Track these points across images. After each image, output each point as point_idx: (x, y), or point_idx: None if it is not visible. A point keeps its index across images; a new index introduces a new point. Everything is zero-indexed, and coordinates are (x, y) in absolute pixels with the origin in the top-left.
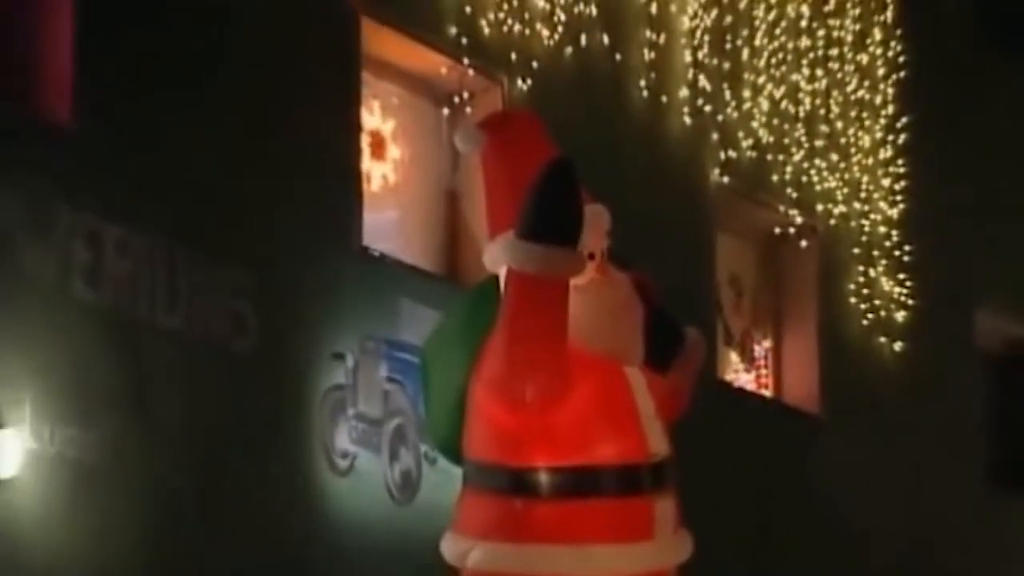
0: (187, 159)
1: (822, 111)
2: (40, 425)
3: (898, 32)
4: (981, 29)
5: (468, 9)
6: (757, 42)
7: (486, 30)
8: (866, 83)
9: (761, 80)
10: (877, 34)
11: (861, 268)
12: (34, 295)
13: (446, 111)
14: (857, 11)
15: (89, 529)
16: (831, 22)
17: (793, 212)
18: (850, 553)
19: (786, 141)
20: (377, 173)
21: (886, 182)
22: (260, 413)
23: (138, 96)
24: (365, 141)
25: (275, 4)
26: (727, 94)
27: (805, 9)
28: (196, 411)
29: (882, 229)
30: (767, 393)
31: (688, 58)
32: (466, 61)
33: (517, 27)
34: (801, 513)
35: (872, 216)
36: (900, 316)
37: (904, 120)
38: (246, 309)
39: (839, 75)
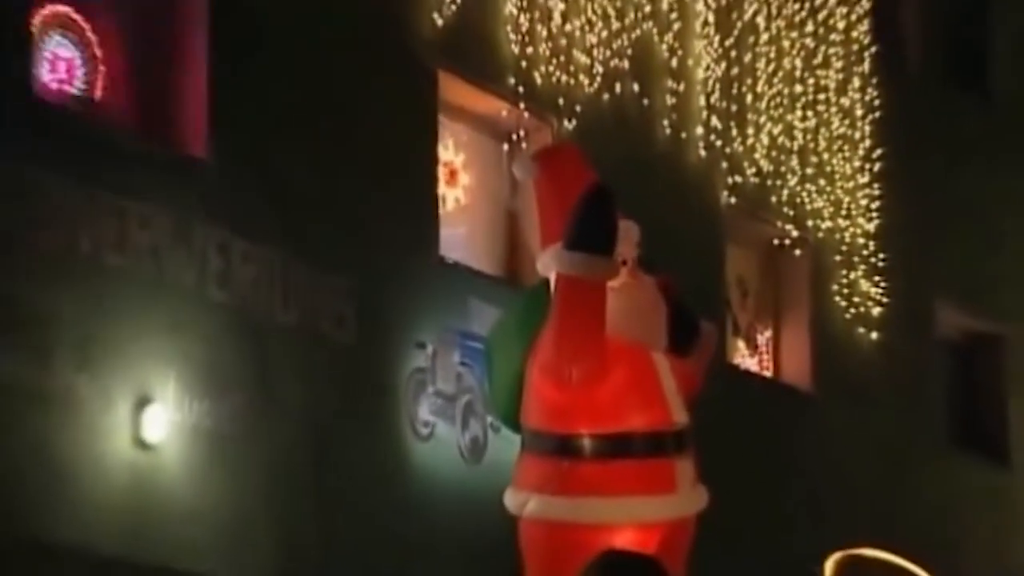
0: (300, 186)
1: (812, 145)
2: (181, 400)
3: (873, 80)
4: (941, 76)
5: (524, 63)
6: (758, 89)
7: (539, 80)
8: (847, 122)
9: (762, 120)
10: (856, 82)
11: (844, 272)
12: (177, 295)
13: (506, 146)
14: (840, 63)
15: (220, 487)
16: (819, 72)
17: (788, 227)
18: (836, 503)
19: (782, 169)
20: (451, 197)
21: (863, 202)
22: (358, 392)
23: (261, 135)
24: (441, 171)
25: (372, 61)
26: (734, 131)
27: (798, 62)
28: (307, 391)
29: (861, 240)
30: (768, 374)
31: (702, 102)
32: (522, 106)
33: (564, 78)
34: (795, 471)
35: (852, 229)
36: (876, 311)
37: (878, 152)
38: (347, 308)
39: (825, 116)
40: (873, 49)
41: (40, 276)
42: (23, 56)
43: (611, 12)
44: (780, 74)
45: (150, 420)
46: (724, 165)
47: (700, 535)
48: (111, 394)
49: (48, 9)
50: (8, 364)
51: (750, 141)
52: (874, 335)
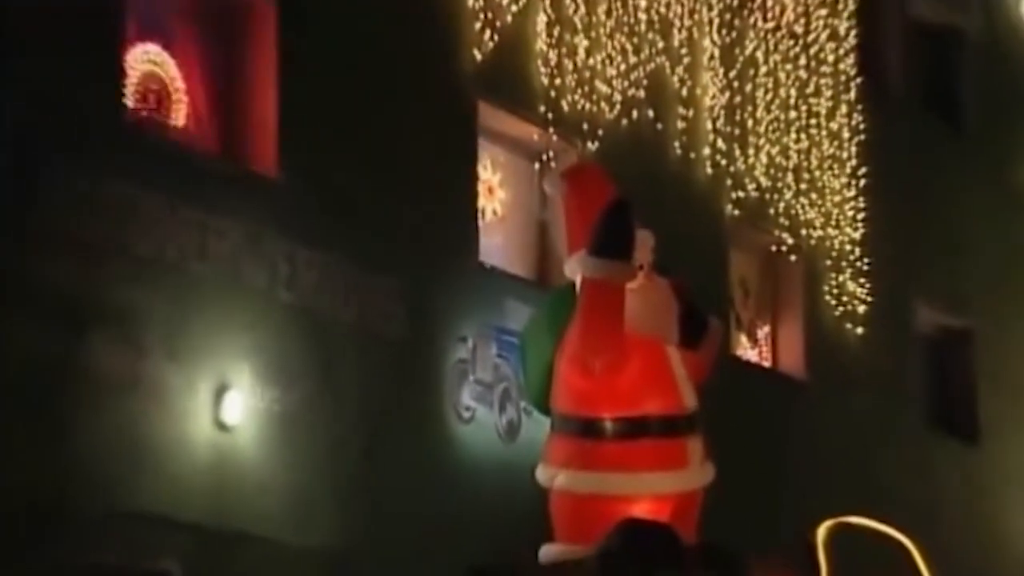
0: (357, 200)
1: (804, 163)
2: (255, 388)
3: (859, 107)
4: (918, 105)
5: (553, 93)
6: (758, 115)
7: (566, 108)
8: (836, 144)
9: (761, 141)
10: (844, 109)
11: (833, 275)
12: (250, 297)
13: (537, 166)
14: (829, 92)
15: (288, 464)
16: (811, 100)
17: (784, 235)
18: (826, 477)
19: (779, 185)
20: (489, 210)
21: (850, 213)
22: (408, 380)
23: (324, 156)
24: (480, 187)
25: (420, 91)
26: (736, 151)
27: (792, 91)
28: (364, 380)
29: (848, 247)
30: (767, 364)
31: (709, 126)
32: (551, 130)
33: (587, 105)
34: (791, 449)
35: (840, 237)
36: (861, 309)
37: (863, 170)
38: (398, 307)
39: (816, 138)
40: (859, 80)
41: (133, 280)
42: (117, 88)
43: (629, 48)
44: (777, 102)
45: (228, 405)
46: (728, 181)
47: (708, 505)
48: (195, 382)
49: (139, 47)
50: (106, 356)
51: (750, 160)
52: (860, 330)
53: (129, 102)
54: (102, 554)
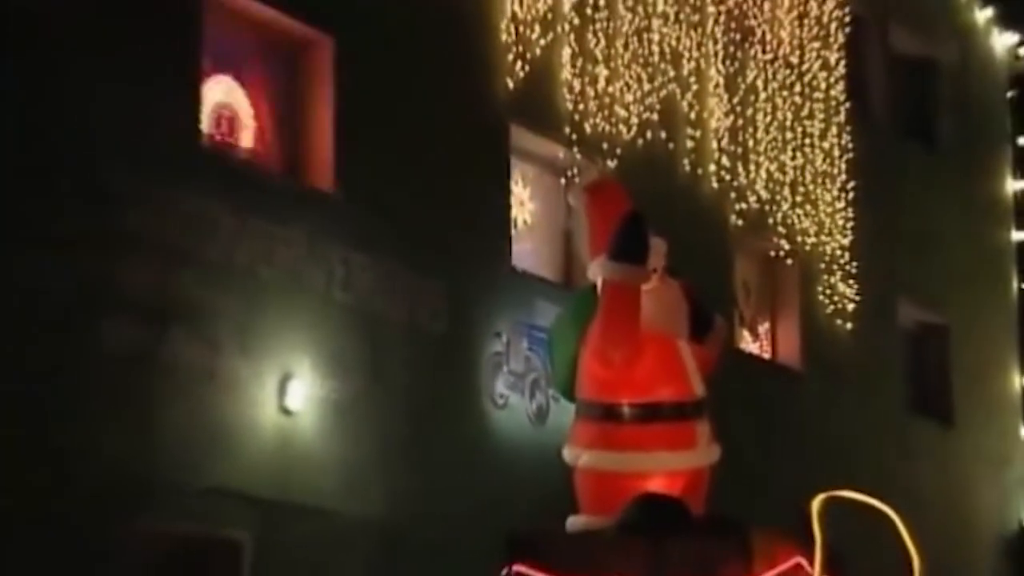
0: (405, 212)
1: (800, 178)
2: (315, 378)
3: (847, 129)
4: (899, 127)
5: (576, 117)
6: (758, 135)
7: (588, 130)
8: (827, 161)
9: (761, 159)
10: (834, 130)
11: (825, 277)
12: (311, 298)
13: (562, 181)
14: (821, 116)
15: (343, 445)
16: (805, 122)
17: (782, 242)
18: (818, 456)
19: (777, 197)
20: (520, 220)
21: (840, 222)
22: (449, 371)
23: (376, 172)
24: (513, 200)
25: (459, 115)
26: (739, 168)
27: (788, 114)
28: (410, 370)
29: (838, 252)
30: (767, 356)
31: (714, 145)
32: (575, 149)
33: (607, 127)
34: (789, 432)
35: (832, 244)
36: (850, 307)
37: (851, 184)
38: (441, 305)
39: (810, 156)
40: (847, 105)
41: (208, 284)
42: (195, 115)
43: (643, 76)
44: (775, 124)
45: (291, 393)
46: (731, 194)
47: (715, 481)
48: (262, 373)
49: (213, 79)
50: (186, 351)
51: (751, 175)
52: (849, 325)
53: (205, 127)
54: (183, 524)
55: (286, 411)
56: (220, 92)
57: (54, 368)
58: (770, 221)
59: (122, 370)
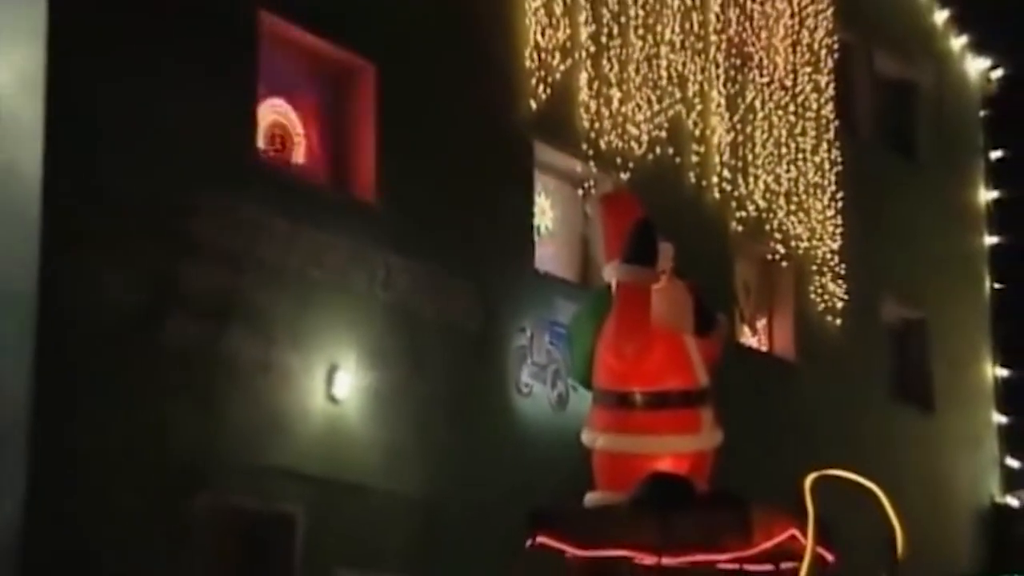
0: (440, 221)
1: (794, 189)
2: (359, 369)
3: (836, 144)
4: (882, 142)
5: (592, 134)
6: (756, 150)
7: (603, 146)
8: (819, 174)
9: (759, 172)
10: (824, 145)
11: (817, 277)
12: (356, 297)
13: (580, 192)
14: (813, 133)
15: (385, 430)
16: (798, 139)
17: (778, 247)
18: (811, 438)
19: (773, 206)
20: (542, 227)
21: (830, 228)
22: (480, 363)
23: (414, 185)
24: (536, 209)
25: (489, 133)
26: (739, 180)
27: (783, 131)
28: (445, 362)
29: (828, 255)
30: (764, 349)
31: (717, 159)
32: (591, 163)
33: (620, 143)
34: (784, 417)
35: (822, 248)
36: (839, 304)
37: (840, 194)
38: (472, 304)
39: (803, 169)
40: (836, 123)
41: (264, 285)
42: (251, 133)
43: (653, 98)
44: (771, 140)
45: (338, 383)
46: (732, 203)
47: (718, 461)
48: (312, 365)
49: (268, 101)
50: (244, 345)
51: (750, 186)
52: (838, 321)
53: (260, 144)
54: (243, 500)
55: (333, 399)
56: (274, 113)
57: (129, 362)
58: (767, 227)
59: (187, 364)
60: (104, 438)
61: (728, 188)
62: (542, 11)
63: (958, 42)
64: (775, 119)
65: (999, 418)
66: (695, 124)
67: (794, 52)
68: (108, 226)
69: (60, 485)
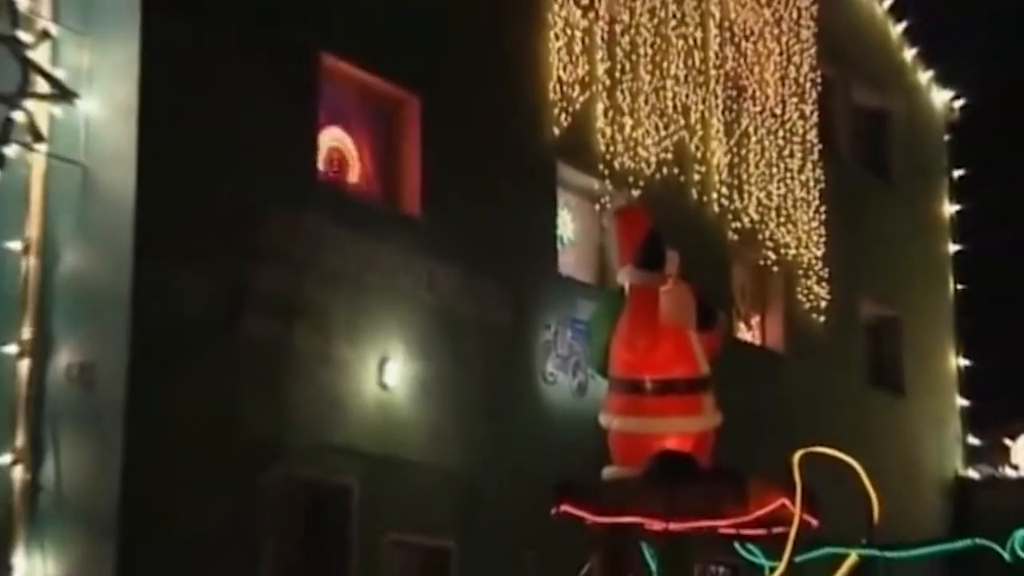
0: (476, 231)
1: (783, 204)
2: (406, 360)
3: (820, 165)
4: (860, 163)
5: (608, 156)
6: (750, 170)
7: (617, 166)
8: (804, 190)
9: (753, 189)
10: (809, 166)
11: (803, 281)
12: (404, 298)
13: (597, 207)
14: (800, 154)
15: (428, 412)
16: (786, 160)
17: (770, 254)
18: (798, 420)
19: (765, 219)
20: (565, 237)
21: (815, 238)
22: (510, 355)
23: (454, 200)
24: (559, 221)
25: (517, 156)
26: (736, 196)
27: (774, 154)
28: (480, 354)
29: (813, 261)
30: (758, 343)
31: (716, 178)
32: (607, 181)
33: (632, 164)
34: (776, 402)
35: (808, 255)
36: (823, 304)
37: (823, 208)
38: (504, 304)
39: (791, 186)
40: (819, 146)
41: (324, 287)
42: (313, 157)
43: (660, 125)
44: (763, 161)
45: (388, 372)
46: (729, 216)
47: (718, 440)
48: (365, 357)
49: (327, 130)
50: (307, 339)
51: (745, 201)
52: (821, 319)
53: (321, 166)
54: (306, 473)
55: (384, 386)
56: (332, 139)
57: (209, 355)
58: (760, 237)
59: (259, 356)
60: (188, 420)
61: (726, 203)
62: (564, 50)
63: (925, 76)
64: (766, 143)
65: (962, 402)
66: (697, 147)
67: (783, 85)
68: (191, 237)
69: (151, 461)
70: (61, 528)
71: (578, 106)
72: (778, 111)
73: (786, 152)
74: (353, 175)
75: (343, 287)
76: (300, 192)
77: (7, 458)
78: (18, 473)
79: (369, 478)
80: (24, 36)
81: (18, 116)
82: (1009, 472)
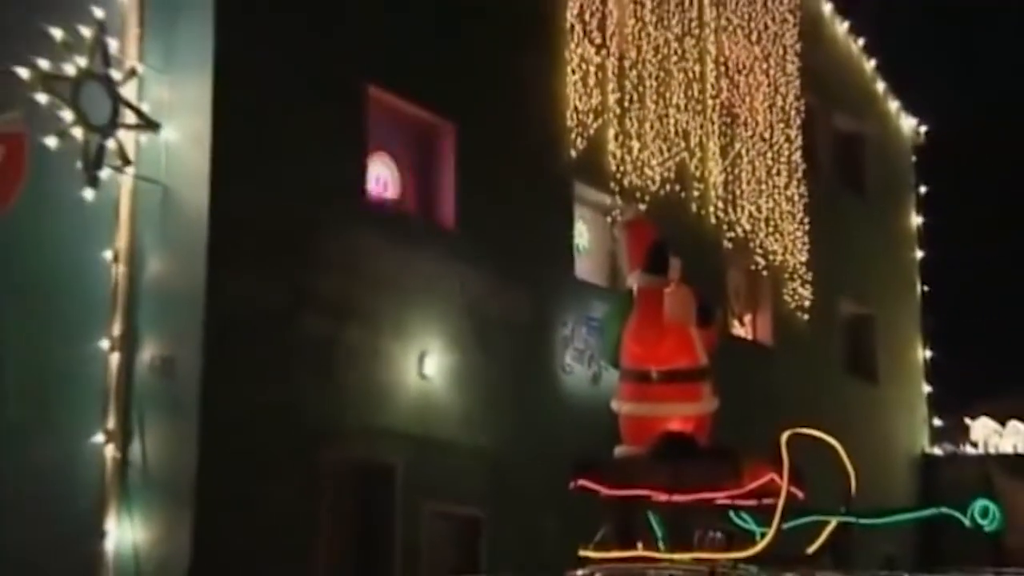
0: (503, 241)
1: (772, 216)
2: (443, 353)
3: (804, 182)
4: (839, 181)
5: (618, 175)
6: (743, 187)
7: (626, 183)
8: (790, 204)
9: (745, 203)
10: (794, 183)
11: (789, 283)
12: (440, 298)
13: (608, 219)
14: (785, 173)
15: (462, 398)
16: (775, 178)
17: (760, 260)
18: (784, 406)
19: (756, 229)
20: (580, 245)
21: (800, 245)
22: (532, 349)
23: (484, 214)
24: (575, 232)
25: (539, 176)
26: (730, 209)
27: (763, 173)
28: (507, 349)
29: (798, 266)
30: (750, 338)
31: (713, 193)
32: (617, 197)
33: (639, 182)
34: (766, 389)
35: (793, 261)
36: (806, 303)
37: (807, 220)
38: (527, 305)
39: (778, 201)
40: (803, 166)
41: (373, 289)
42: (363, 177)
43: (664, 147)
44: (754, 179)
45: (427, 364)
46: (725, 227)
47: (716, 423)
48: (408, 350)
49: (374, 154)
50: (358, 335)
51: (738, 214)
52: (805, 317)
53: (368, 186)
54: (356, 453)
55: (424, 376)
56: (379, 162)
57: (272, 349)
58: (751, 245)
59: (315, 350)
60: (254, 406)
61: (721, 215)
62: (579, 82)
63: (894, 105)
64: (756, 163)
65: (927, 388)
66: (696, 167)
67: (771, 113)
68: (256, 247)
69: (223, 441)
70: (146, 499)
71: (592, 131)
72: (767, 135)
73: (774, 171)
74: (396, 193)
75: (388, 290)
76: (351, 208)
77: (100, 438)
78: (110, 451)
79: (411, 457)
80: (114, 75)
81: (109, 144)
82: (969, 449)
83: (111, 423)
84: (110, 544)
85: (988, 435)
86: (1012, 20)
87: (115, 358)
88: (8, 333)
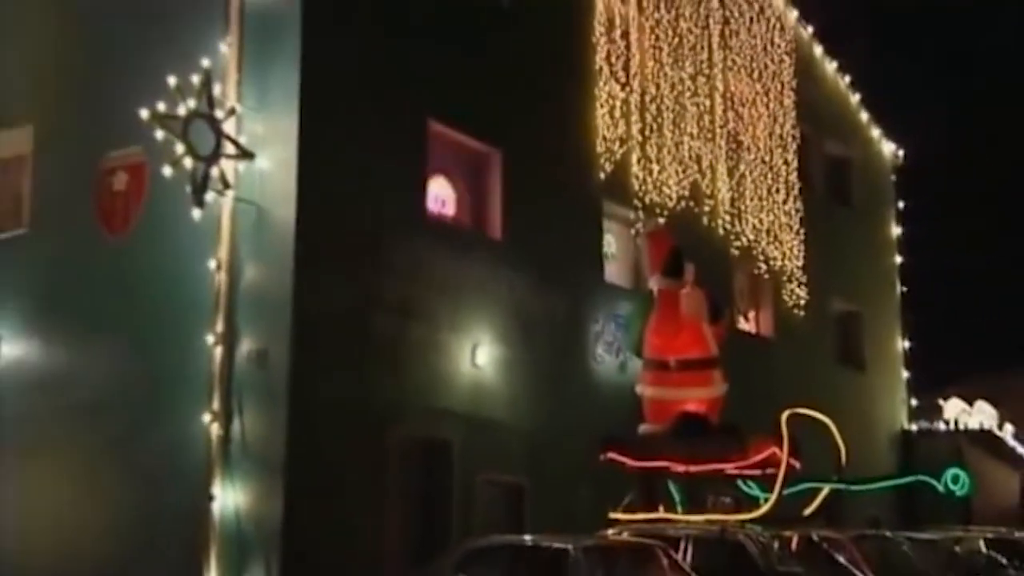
0: (544, 251)
1: (773, 228)
2: (492, 345)
3: (800, 198)
4: (829, 197)
5: (641, 192)
6: (748, 203)
7: (648, 200)
8: (788, 217)
9: (749, 216)
10: (791, 199)
11: (788, 285)
12: (491, 299)
13: (633, 231)
14: (783, 190)
15: (507, 384)
16: (774, 195)
17: (762, 265)
18: (783, 391)
19: (758, 239)
20: (609, 254)
21: (796, 253)
22: (569, 342)
23: (529, 227)
24: (605, 242)
25: (573, 196)
26: (736, 222)
27: (764, 191)
28: (547, 341)
29: (795, 270)
30: (753, 331)
31: (721, 209)
32: (640, 212)
33: (658, 198)
34: (766, 377)
35: (791, 265)
36: (802, 302)
37: (803, 231)
38: (562, 304)
39: (778, 214)
40: (799, 184)
41: (433, 292)
42: (423, 197)
43: (680, 169)
44: (756, 196)
45: (479, 354)
46: (732, 237)
47: (725, 405)
48: (462, 342)
49: (433, 177)
50: (419, 331)
51: (743, 226)
52: (801, 313)
53: (429, 204)
54: (419, 431)
55: (476, 365)
56: (437, 184)
57: (349, 344)
58: (755, 253)
59: (385, 344)
60: (334, 391)
61: (729, 227)
62: (607, 116)
63: (876, 132)
64: (759, 183)
65: (905, 374)
66: (707, 186)
67: (770, 139)
68: (335, 256)
69: (308, 422)
70: (245, 469)
71: (618, 156)
72: (767, 159)
73: (774, 189)
74: (452, 210)
75: (445, 293)
76: (414, 223)
77: (207, 418)
78: (215, 429)
79: (465, 434)
80: (218, 113)
81: (213, 171)
82: (941, 426)
83: (215, 406)
84: (216, 506)
85: (958, 413)
86: (977, 61)
87: (218, 351)
88: (130, 330)
